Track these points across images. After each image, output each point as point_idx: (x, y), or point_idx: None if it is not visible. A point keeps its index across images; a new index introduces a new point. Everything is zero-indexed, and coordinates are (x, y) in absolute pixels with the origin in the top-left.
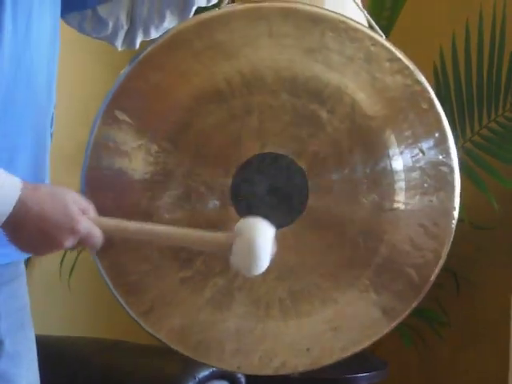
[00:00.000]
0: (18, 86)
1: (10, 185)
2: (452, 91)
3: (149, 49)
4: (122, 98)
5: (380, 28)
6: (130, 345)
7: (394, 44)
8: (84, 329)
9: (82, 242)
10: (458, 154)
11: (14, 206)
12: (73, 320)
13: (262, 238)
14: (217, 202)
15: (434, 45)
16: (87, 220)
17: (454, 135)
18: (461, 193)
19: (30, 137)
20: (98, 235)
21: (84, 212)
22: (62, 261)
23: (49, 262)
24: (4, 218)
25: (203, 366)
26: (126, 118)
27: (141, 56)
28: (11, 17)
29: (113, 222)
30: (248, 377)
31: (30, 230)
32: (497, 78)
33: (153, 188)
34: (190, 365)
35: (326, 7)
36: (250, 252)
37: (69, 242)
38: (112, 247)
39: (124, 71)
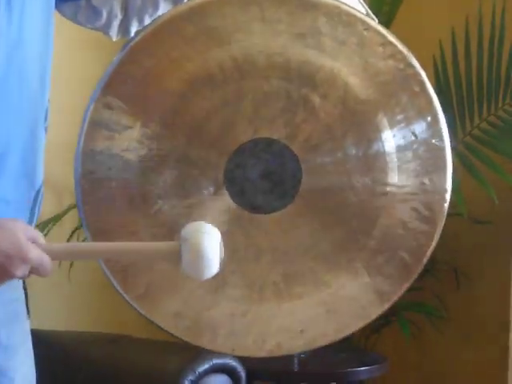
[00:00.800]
0: (10, 81)
1: None
2: (452, 85)
3: (141, 35)
4: (114, 83)
5: (380, 23)
6: (131, 339)
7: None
8: (84, 323)
9: (33, 271)
10: (457, 148)
11: None
12: (73, 314)
13: (208, 240)
14: (210, 187)
15: (433, 39)
16: (37, 249)
17: (453, 129)
18: (461, 187)
19: (23, 132)
20: (47, 263)
21: (33, 240)
22: None
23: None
24: None
25: (203, 359)
26: (119, 104)
27: (133, 42)
28: (6, 16)
29: (61, 247)
30: (248, 370)
31: None
32: (496, 71)
33: (147, 173)
34: (189, 358)
35: None
36: (199, 256)
37: (20, 272)
38: (106, 233)
39: (117, 57)
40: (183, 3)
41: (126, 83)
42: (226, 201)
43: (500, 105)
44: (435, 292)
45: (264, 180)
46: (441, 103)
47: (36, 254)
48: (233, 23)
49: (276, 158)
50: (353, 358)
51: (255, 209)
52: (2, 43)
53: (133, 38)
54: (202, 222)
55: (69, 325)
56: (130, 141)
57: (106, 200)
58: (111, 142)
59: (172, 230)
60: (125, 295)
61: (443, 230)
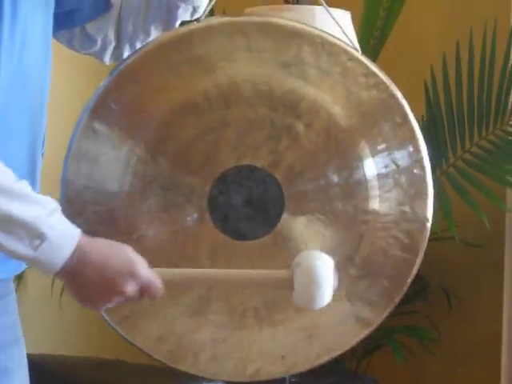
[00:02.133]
0: (12, 107)
1: (68, 233)
2: (443, 109)
3: (127, 61)
4: (100, 109)
5: (370, 47)
6: (122, 363)
7: (385, 63)
8: (76, 348)
9: (144, 291)
10: (448, 172)
11: (72, 253)
12: (64, 339)
13: (321, 264)
14: (195, 214)
15: (424, 64)
16: (148, 268)
17: (444, 153)
18: (452, 210)
19: (23, 158)
20: (158, 283)
21: (142, 261)
22: (54, 280)
23: (40, 280)
24: (63, 263)
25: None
26: (105, 130)
27: (119, 68)
28: (9, 39)
29: (171, 272)
30: None
31: (90, 277)
32: (487, 96)
33: (132, 199)
34: (182, 383)
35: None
36: (312, 280)
37: (130, 287)
38: None
39: (103, 83)
40: (168, 31)
41: (111, 110)
42: (209, 227)
43: (491, 129)
44: (427, 315)
45: (247, 207)
46: (432, 127)
47: (146, 272)
48: (218, 52)
49: (259, 185)
50: (344, 382)
51: (238, 235)
52: (3, 73)
53: (119, 65)
54: (317, 250)
55: (59, 349)
56: (115, 167)
57: (90, 224)
58: (96, 167)
59: (155, 256)
60: (107, 318)
61: (435, 253)
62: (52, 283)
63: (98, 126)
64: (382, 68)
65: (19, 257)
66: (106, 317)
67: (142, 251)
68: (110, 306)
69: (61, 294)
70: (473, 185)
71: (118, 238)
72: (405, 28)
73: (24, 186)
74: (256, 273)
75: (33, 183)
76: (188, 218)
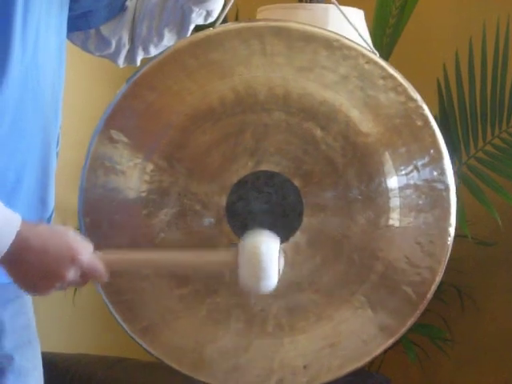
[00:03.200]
0: (25, 107)
1: (9, 220)
2: (455, 108)
3: (144, 69)
4: (117, 117)
5: (383, 45)
6: (134, 362)
7: (398, 61)
8: (88, 346)
9: (86, 275)
10: (461, 170)
11: (14, 240)
12: (77, 337)
13: (266, 246)
14: (212, 220)
15: (437, 62)
16: (89, 253)
17: (457, 151)
18: (465, 209)
19: (37, 157)
20: (100, 267)
21: (86, 248)
22: None
23: None
24: (2, 252)
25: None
26: (122, 137)
27: (136, 76)
28: (20, 39)
29: (114, 256)
30: None
31: (31, 264)
32: (500, 94)
33: (148, 206)
34: (191, 381)
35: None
36: (257, 263)
37: (71, 274)
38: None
39: (120, 91)
40: (185, 37)
41: (128, 117)
42: (227, 234)
43: (504, 127)
44: (440, 314)
45: (266, 213)
46: (445, 125)
47: (87, 257)
48: (234, 57)
49: (278, 191)
50: (357, 380)
51: None
52: (16, 68)
53: (135, 73)
54: (262, 232)
55: (71, 347)
56: (132, 174)
57: (108, 234)
58: (114, 175)
59: None
60: (126, 328)
61: None
62: None
63: (114, 134)
64: (394, 66)
65: None
66: (126, 328)
67: None
68: (52, 291)
69: (74, 293)
70: (486, 183)
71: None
72: (417, 26)
73: None
74: (201, 255)
75: (46, 181)
76: (206, 225)
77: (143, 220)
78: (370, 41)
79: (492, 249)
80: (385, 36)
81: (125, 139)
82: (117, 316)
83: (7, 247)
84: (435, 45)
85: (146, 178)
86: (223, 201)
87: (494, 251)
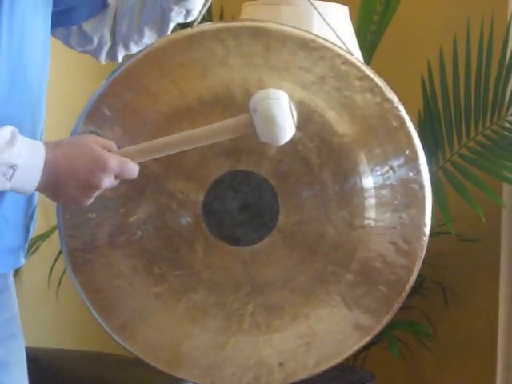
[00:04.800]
0: (12, 101)
1: (34, 149)
2: (439, 104)
3: (122, 68)
4: (95, 115)
5: (368, 42)
6: (118, 358)
7: (382, 57)
8: (72, 341)
9: (120, 176)
10: (445, 167)
11: (44, 169)
12: (61, 332)
13: (276, 104)
14: (189, 219)
15: (421, 58)
16: (114, 155)
17: (441, 148)
18: (448, 205)
19: None
20: (130, 165)
21: (108, 149)
22: (50, 273)
23: (37, 274)
24: (37, 183)
25: None
26: (99, 133)
27: (114, 75)
28: (7, 33)
29: (136, 148)
30: None
31: (67, 183)
32: (484, 91)
33: (126, 205)
34: (176, 377)
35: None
36: (272, 122)
37: (106, 182)
38: (87, 263)
39: (98, 89)
40: (162, 37)
41: (105, 115)
42: (204, 233)
43: (488, 124)
44: (423, 310)
45: (242, 212)
46: (428, 122)
47: (115, 160)
48: (211, 57)
49: (254, 191)
50: (342, 376)
51: (234, 241)
52: (3, 62)
53: (114, 71)
54: (269, 89)
55: (54, 342)
56: None
57: (85, 232)
58: None
59: (150, 262)
60: (104, 326)
61: (431, 248)
62: (49, 276)
63: (93, 130)
64: (379, 62)
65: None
66: (103, 325)
67: (137, 256)
68: (93, 197)
69: (58, 287)
70: (469, 180)
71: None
72: (402, 22)
73: None
74: (216, 125)
75: None
76: (183, 224)
77: (121, 218)
78: (353, 35)
79: (475, 246)
80: (369, 33)
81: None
82: (94, 313)
83: (38, 179)
84: (419, 41)
85: None
86: (200, 200)
87: (477, 248)
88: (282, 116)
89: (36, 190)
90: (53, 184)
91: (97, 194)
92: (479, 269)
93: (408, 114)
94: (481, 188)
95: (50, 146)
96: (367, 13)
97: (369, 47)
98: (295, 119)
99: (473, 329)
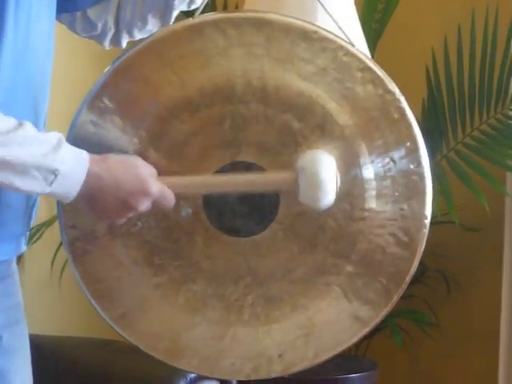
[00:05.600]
0: (16, 90)
1: (78, 158)
2: (444, 93)
3: (123, 57)
4: (97, 105)
5: (372, 31)
6: (121, 345)
7: (386, 47)
8: (74, 328)
9: (156, 204)
10: (449, 156)
11: (86, 178)
12: (63, 320)
13: (326, 170)
14: (189, 210)
15: (426, 47)
16: (158, 182)
17: (445, 137)
18: (452, 194)
19: None
20: (169, 195)
21: (152, 175)
22: (53, 261)
23: (40, 261)
24: (77, 192)
25: None
26: (101, 126)
27: (116, 64)
28: (13, 20)
29: (178, 181)
30: None
31: (106, 199)
32: (489, 80)
33: None
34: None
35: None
36: (317, 186)
37: (143, 206)
38: (87, 254)
39: (100, 79)
40: (163, 27)
41: (107, 105)
42: (204, 224)
43: (492, 113)
44: (425, 299)
45: (243, 204)
46: (432, 111)
47: (157, 187)
48: (212, 48)
49: None
50: (344, 364)
51: (233, 232)
52: (9, 51)
53: (116, 60)
54: (318, 151)
55: (59, 329)
56: None
57: (85, 221)
58: None
59: (150, 252)
60: (104, 315)
61: (434, 237)
62: (51, 263)
63: (94, 120)
64: (383, 51)
65: (37, 193)
66: (103, 315)
67: (137, 247)
68: (125, 218)
69: (60, 275)
70: (473, 169)
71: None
72: (406, 11)
73: (27, 130)
74: (260, 177)
75: None
76: (183, 215)
77: None
78: (358, 26)
79: (479, 234)
80: (374, 21)
81: (104, 127)
82: (94, 303)
83: (79, 187)
84: (424, 30)
85: None
86: None
87: (480, 237)
88: (328, 181)
89: (75, 198)
90: (92, 196)
91: (129, 215)
92: (482, 258)
93: (412, 103)
94: (484, 177)
95: (96, 159)
96: (372, 1)
97: (373, 36)
98: (338, 187)
99: (475, 317)
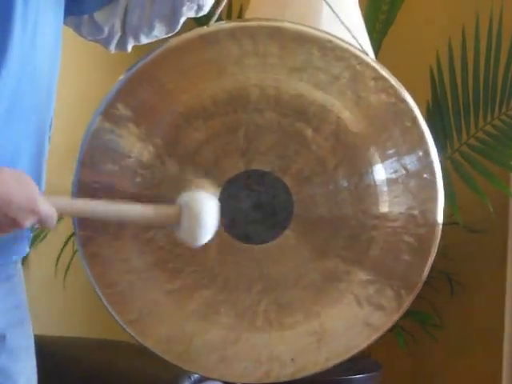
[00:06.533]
0: (22, 90)
1: None
2: (448, 94)
3: (137, 66)
4: (111, 113)
5: (376, 32)
6: (126, 345)
7: (391, 48)
8: (79, 329)
9: (41, 223)
10: (453, 157)
11: None
12: (68, 320)
13: (208, 210)
14: None
15: (430, 49)
16: (46, 203)
17: (450, 138)
18: (456, 196)
19: (31, 140)
20: (54, 216)
21: (40, 194)
22: (58, 261)
23: (44, 261)
24: None
25: None
26: (115, 134)
27: (129, 72)
28: (21, 20)
29: (66, 204)
30: None
31: None
32: (493, 81)
33: (141, 201)
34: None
35: (318, 24)
36: (199, 224)
37: (29, 223)
38: (101, 257)
39: (114, 87)
40: (179, 36)
41: (121, 113)
42: (217, 230)
43: (496, 114)
44: (429, 300)
45: (256, 211)
46: (437, 112)
47: (46, 208)
48: (227, 56)
49: (268, 190)
50: (348, 365)
51: (247, 239)
52: (16, 50)
53: (129, 69)
54: (200, 191)
55: (63, 330)
56: (125, 170)
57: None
58: (107, 170)
59: (163, 258)
60: (118, 320)
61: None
62: (56, 264)
63: (108, 129)
64: (387, 51)
65: None
66: (117, 318)
67: (150, 253)
68: (5, 234)
69: (65, 275)
70: (477, 170)
71: (127, 240)
72: (411, 12)
73: None
74: (143, 209)
75: (40, 166)
76: None
77: None
78: (363, 27)
79: (482, 236)
80: (378, 22)
81: (117, 136)
82: (108, 307)
83: None
84: (428, 32)
85: (138, 173)
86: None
87: (484, 239)
88: (210, 221)
89: None
90: None
91: (11, 231)
92: (486, 259)
93: (416, 104)
94: (489, 178)
95: None
96: (376, 1)
97: (377, 36)
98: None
99: (479, 319)
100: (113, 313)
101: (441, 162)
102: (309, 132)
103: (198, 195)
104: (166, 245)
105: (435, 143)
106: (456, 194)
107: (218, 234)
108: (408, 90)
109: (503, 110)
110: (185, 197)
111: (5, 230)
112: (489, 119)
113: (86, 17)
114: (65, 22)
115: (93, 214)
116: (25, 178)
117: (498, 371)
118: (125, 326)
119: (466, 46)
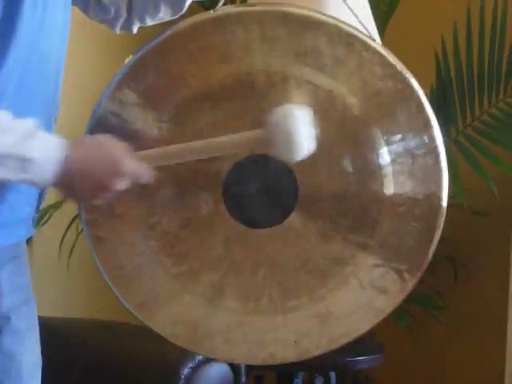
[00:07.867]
0: (29, 72)
1: (52, 146)
2: (453, 77)
3: (143, 50)
4: (117, 97)
5: (380, 15)
6: (130, 326)
7: (395, 31)
8: (83, 310)
9: (134, 180)
10: (458, 140)
11: (59, 165)
12: (72, 301)
13: (297, 125)
14: (209, 201)
15: (435, 31)
16: (131, 160)
17: (454, 121)
18: (460, 178)
19: (38, 122)
20: (145, 171)
21: (125, 155)
22: (62, 242)
23: (48, 243)
24: (50, 180)
25: None
26: (121, 118)
27: (136, 56)
28: (30, 4)
29: (152, 153)
30: None
31: (81, 182)
32: (497, 64)
33: (147, 186)
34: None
35: (325, 9)
36: (290, 141)
37: (120, 185)
38: (108, 241)
39: (120, 71)
40: (186, 20)
41: (128, 96)
42: (224, 215)
43: (501, 97)
44: (433, 283)
45: (261, 195)
46: (441, 95)
47: (131, 166)
48: (234, 41)
49: (273, 174)
50: (351, 348)
51: (252, 223)
52: (26, 31)
53: (136, 53)
54: (290, 106)
55: (67, 311)
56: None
57: (105, 208)
58: None
59: (169, 242)
60: (124, 303)
61: None
62: (60, 246)
63: (116, 111)
64: (392, 33)
65: (13, 181)
66: (124, 302)
67: (156, 238)
68: (102, 200)
69: (69, 257)
70: (482, 153)
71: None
72: None
73: (0, 118)
74: (233, 137)
75: None
76: (203, 206)
77: (141, 199)
78: (368, 8)
79: (487, 219)
80: (382, 4)
81: (124, 119)
82: (114, 290)
83: (52, 175)
84: (433, 15)
85: None
86: (220, 183)
87: (488, 221)
88: (301, 134)
89: (49, 185)
90: (67, 181)
91: (106, 196)
92: (490, 242)
93: (421, 86)
94: (493, 161)
95: (69, 144)
96: None
97: (382, 18)
98: (314, 137)
99: (483, 302)
100: (119, 296)
101: (445, 144)
102: (314, 117)
103: (285, 110)
104: (172, 229)
105: (440, 126)
106: (461, 176)
107: (223, 218)
108: (413, 72)
109: (508, 92)
110: (273, 114)
111: (97, 196)
112: (493, 102)
113: None
114: (72, 3)
115: (185, 155)
116: (105, 143)
117: (502, 354)
118: (131, 309)
119: (470, 29)
